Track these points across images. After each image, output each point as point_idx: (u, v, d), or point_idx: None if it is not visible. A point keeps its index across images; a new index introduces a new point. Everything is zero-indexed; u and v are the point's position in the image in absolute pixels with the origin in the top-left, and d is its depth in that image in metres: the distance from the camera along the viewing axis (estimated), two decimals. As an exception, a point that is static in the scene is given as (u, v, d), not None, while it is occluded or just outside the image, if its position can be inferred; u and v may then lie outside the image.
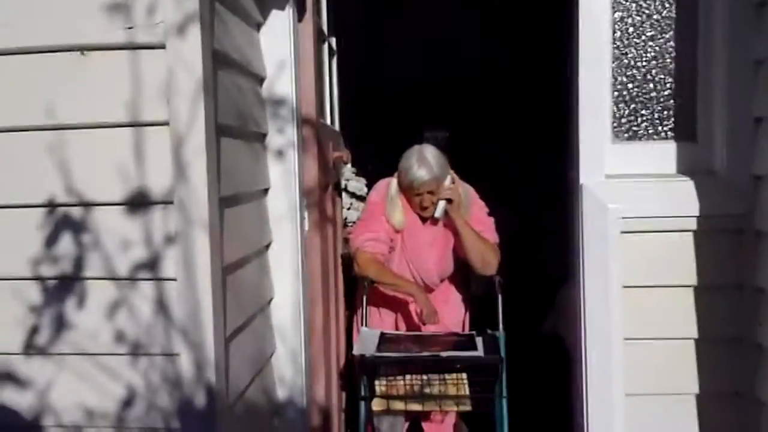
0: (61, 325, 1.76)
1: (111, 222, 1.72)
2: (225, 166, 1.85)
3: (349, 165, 4.27)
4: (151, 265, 1.72)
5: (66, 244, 1.74)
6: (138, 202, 1.71)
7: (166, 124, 1.67)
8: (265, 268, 2.30)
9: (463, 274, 3.03)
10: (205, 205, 1.67)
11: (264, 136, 2.31)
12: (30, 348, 1.77)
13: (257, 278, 2.21)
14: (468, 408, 2.53)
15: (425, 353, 2.41)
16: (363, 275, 2.80)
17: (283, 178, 2.34)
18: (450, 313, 2.98)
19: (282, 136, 2.33)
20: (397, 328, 2.95)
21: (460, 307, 3.05)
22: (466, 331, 3.00)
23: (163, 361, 1.75)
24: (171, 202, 1.69)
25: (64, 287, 1.75)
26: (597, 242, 2.31)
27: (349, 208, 3.80)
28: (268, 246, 2.33)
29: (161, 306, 1.73)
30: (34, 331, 1.76)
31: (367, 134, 5.29)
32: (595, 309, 2.32)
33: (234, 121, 1.95)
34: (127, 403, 1.76)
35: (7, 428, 1.79)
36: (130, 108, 1.68)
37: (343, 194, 3.60)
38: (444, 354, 2.39)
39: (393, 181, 2.87)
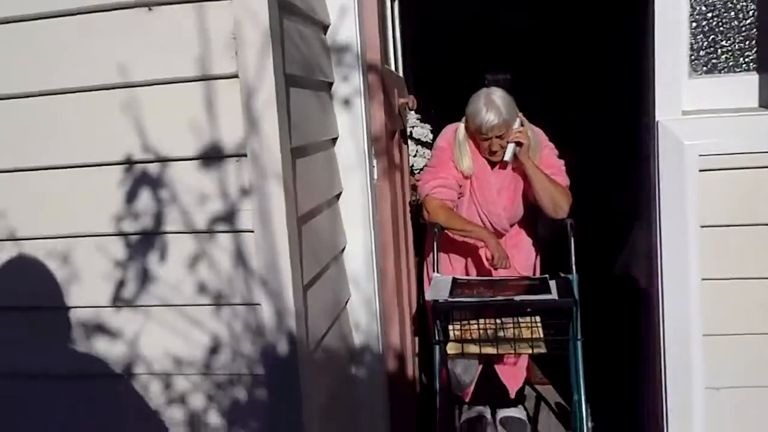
0: (145, 278, 1.81)
1: (187, 177, 1.75)
2: (295, 117, 1.85)
3: (413, 111, 4.23)
4: (228, 218, 1.75)
5: (145, 199, 1.78)
6: (212, 156, 1.73)
7: (235, 76, 1.68)
8: (337, 217, 2.32)
9: (533, 218, 3.00)
10: (277, 157, 1.68)
11: (330, 84, 2.30)
12: (118, 301, 1.83)
13: (330, 227, 2.23)
14: (543, 350, 2.53)
15: (499, 297, 2.40)
16: (433, 222, 2.79)
17: (351, 126, 2.33)
18: (520, 257, 2.97)
19: (348, 84, 2.31)
20: (467, 274, 2.95)
21: (531, 251, 3.03)
22: (538, 275, 2.99)
23: (244, 310, 1.79)
24: (244, 155, 1.71)
25: (146, 242, 1.80)
26: (674, 181, 2.24)
27: (415, 155, 3.78)
28: (338, 195, 2.35)
29: (240, 257, 1.77)
30: (120, 285, 1.82)
31: (429, 79, 5.21)
32: (672, 249, 2.26)
33: (301, 70, 1.95)
34: (213, 351, 1.82)
35: (101, 377, 1.87)
36: (200, 62, 1.68)
37: (410, 141, 3.57)
38: (518, 298, 2.39)
39: (460, 126, 2.83)
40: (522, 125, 2.74)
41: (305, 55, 2.00)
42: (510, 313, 2.57)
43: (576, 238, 2.72)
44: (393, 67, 2.93)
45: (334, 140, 2.33)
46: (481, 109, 2.68)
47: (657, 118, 2.26)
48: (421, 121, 3.73)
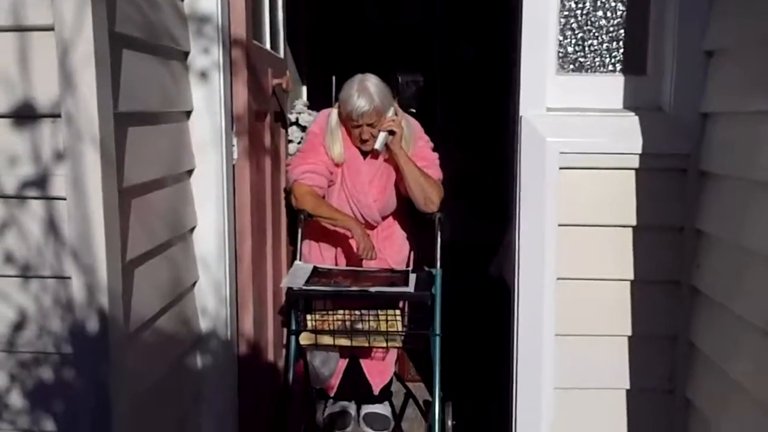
0: (-54, 244, 1.65)
1: (-4, 135, 1.61)
2: (127, 81, 1.73)
3: (304, 98, 4.14)
4: (40, 183, 1.61)
5: (-51, 157, 1.62)
6: (24, 115, 1.59)
7: (51, 29, 1.54)
8: (186, 194, 2.20)
9: (408, 211, 2.94)
10: (94, 119, 1.56)
11: (186, 54, 2.18)
12: None
13: (174, 204, 2.11)
14: (397, 344, 2.47)
15: (354, 288, 2.33)
16: (300, 208, 2.71)
17: (207, 101, 2.22)
18: (392, 250, 2.91)
19: (206, 56, 2.20)
20: (336, 264, 2.87)
21: (404, 244, 2.97)
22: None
23: (54, 284, 1.65)
24: (59, 116, 1.57)
25: (-52, 204, 1.64)
26: (534, 177, 2.21)
27: (299, 142, 3.67)
28: (190, 172, 2.23)
29: (52, 226, 1.63)
30: None
31: (341, 76, 5.08)
32: (530, 246, 2.23)
33: (141, 33, 1.82)
34: (18, 326, 1.67)
35: None
36: (12, 10, 1.54)
37: (294, 128, 3.48)
38: (372, 289, 2.32)
39: (333, 112, 2.75)
40: (396, 114, 2.68)
41: (149, 17, 1.88)
42: (370, 305, 2.50)
43: (448, 235, 2.69)
44: (268, 46, 2.82)
45: (189, 114, 2.21)
46: (352, 95, 2.61)
47: (521, 113, 2.23)
48: (309, 109, 3.63)
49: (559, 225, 2.22)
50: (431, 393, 2.55)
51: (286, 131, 3.27)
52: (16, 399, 1.70)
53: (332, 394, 3.03)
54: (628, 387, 2.26)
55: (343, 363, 2.93)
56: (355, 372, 2.97)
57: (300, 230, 2.68)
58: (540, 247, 2.22)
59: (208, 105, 2.22)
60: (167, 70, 2.04)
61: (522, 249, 2.25)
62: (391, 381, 3.10)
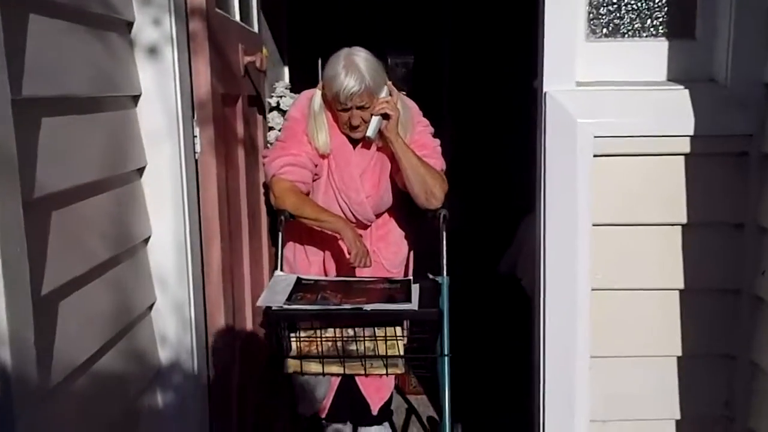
0: None
1: None
2: (35, 56, 1.32)
3: (285, 80, 3.73)
4: None
5: None
6: None
7: None
8: (135, 199, 1.80)
9: (405, 207, 2.54)
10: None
11: (129, 25, 1.77)
12: None
13: (118, 212, 1.70)
14: (399, 370, 2.07)
15: (346, 305, 1.93)
16: (280, 208, 2.31)
17: (159, 83, 1.82)
18: (388, 252, 2.54)
19: (156, 28, 1.80)
20: (325, 271, 2.48)
21: (402, 245, 2.59)
22: (410, 274, 2.56)
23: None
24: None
25: None
26: (563, 166, 1.83)
27: (280, 130, 3.29)
28: (141, 171, 1.83)
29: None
30: None
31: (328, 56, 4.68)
32: (558, 250, 1.86)
33: (57, -6, 1.41)
34: None
35: None
36: None
37: (275, 113, 3.08)
38: (368, 307, 1.92)
39: (317, 94, 2.35)
40: (390, 95, 2.27)
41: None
42: (365, 323, 2.09)
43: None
44: (238, 18, 2.40)
45: (137, 99, 1.80)
46: (339, 73, 2.20)
47: (545, 89, 1.84)
48: (291, 92, 3.23)
49: (594, 225, 1.87)
50: (436, 409, 2.18)
51: (265, 117, 2.87)
52: None
53: (324, 416, 2.65)
54: (678, 417, 1.96)
55: (336, 380, 2.54)
56: (350, 389, 2.59)
57: (281, 233, 2.28)
58: (571, 251, 1.86)
59: (160, 88, 1.82)
60: (102, 45, 1.62)
61: (548, 253, 1.87)
62: (391, 398, 2.72)
